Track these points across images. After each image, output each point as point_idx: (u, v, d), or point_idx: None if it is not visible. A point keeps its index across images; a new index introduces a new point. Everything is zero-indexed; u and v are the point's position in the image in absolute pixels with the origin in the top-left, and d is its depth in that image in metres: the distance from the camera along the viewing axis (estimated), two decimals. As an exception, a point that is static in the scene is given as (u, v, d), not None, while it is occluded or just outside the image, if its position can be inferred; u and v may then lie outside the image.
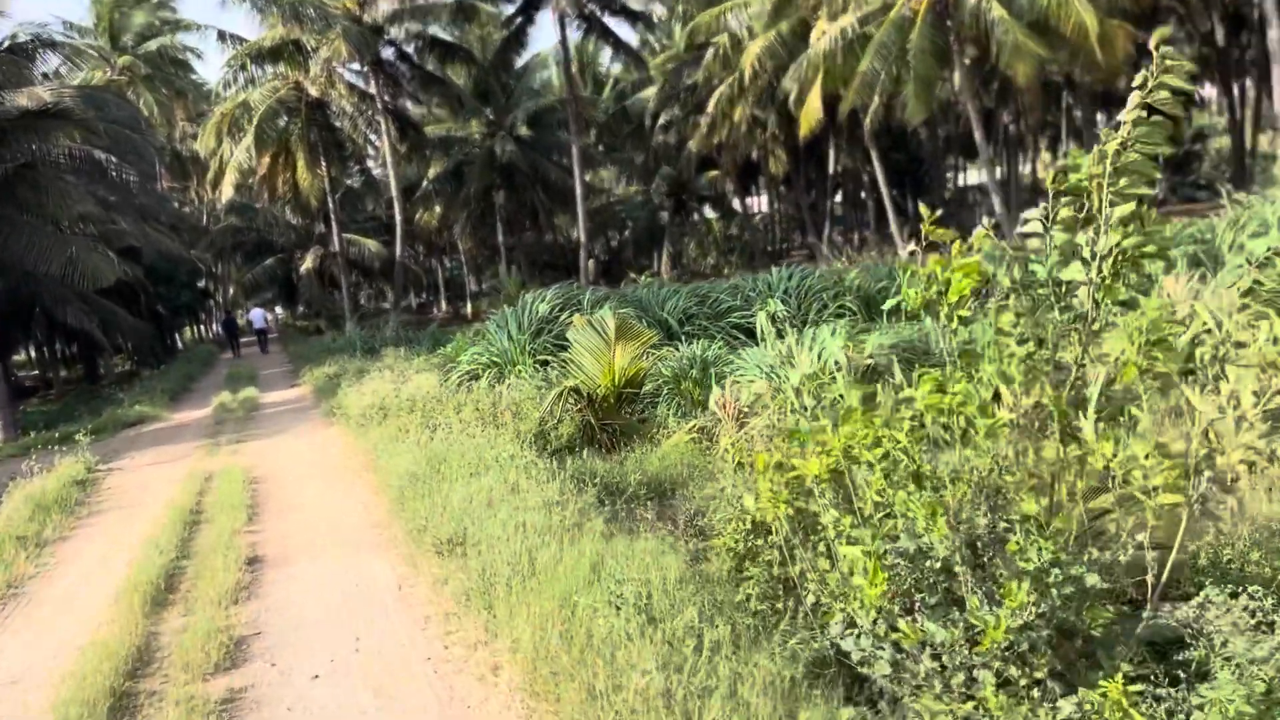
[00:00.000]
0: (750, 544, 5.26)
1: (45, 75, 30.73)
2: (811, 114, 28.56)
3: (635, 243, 53.09)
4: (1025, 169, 56.19)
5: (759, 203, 63.18)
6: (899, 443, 3.99)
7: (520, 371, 13.85)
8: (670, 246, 50.53)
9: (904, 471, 3.79)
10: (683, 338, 14.51)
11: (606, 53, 52.18)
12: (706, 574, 4.65)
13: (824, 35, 27.82)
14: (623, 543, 5.02)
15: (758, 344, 14.71)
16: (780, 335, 14.82)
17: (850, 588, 3.74)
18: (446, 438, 9.29)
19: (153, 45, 46.16)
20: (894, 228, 34.48)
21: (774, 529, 5.27)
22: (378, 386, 13.28)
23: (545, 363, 14.04)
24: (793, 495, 4.22)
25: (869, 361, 5.92)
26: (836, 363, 6.12)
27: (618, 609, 4.01)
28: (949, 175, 53.40)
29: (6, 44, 23.44)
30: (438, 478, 7.62)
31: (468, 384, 13.92)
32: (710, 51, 32.85)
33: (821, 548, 4.29)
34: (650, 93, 41.41)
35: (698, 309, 15.41)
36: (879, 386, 4.80)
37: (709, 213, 53.69)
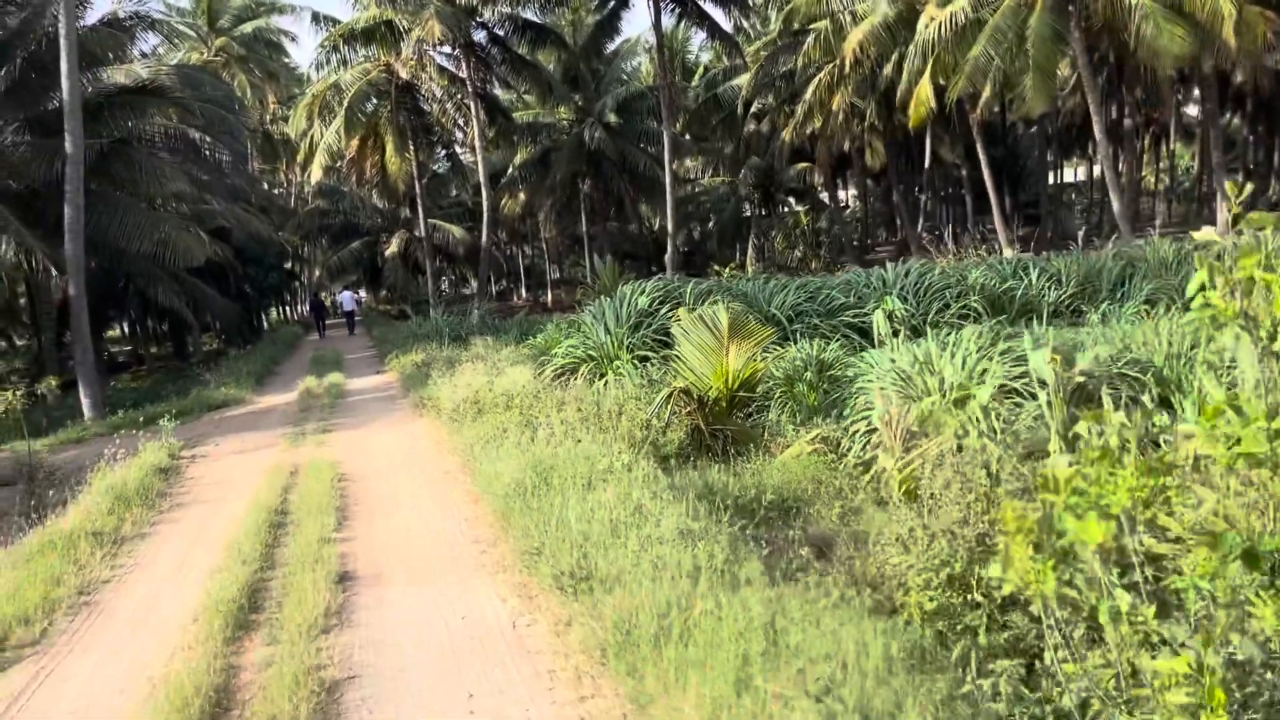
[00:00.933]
0: (946, 600, 4.32)
1: (143, 54, 30.94)
2: (921, 104, 27.16)
3: (719, 234, 52.01)
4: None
5: (846, 197, 61.51)
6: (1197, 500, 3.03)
7: (619, 367, 13.03)
8: (755, 239, 49.34)
9: (1232, 546, 2.80)
10: (792, 336, 13.53)
11: (696, 40, 51.18)
12: (916, 647, 3.70)
13: (933, 21, 26.41)
14: (793, 596, 4.12)
15: (875, 345, 13.68)
16: (898, 336, 13.78)
17: (1156, 699, 2.77)
18: (549, 440, 8.48)
19: (248, 27, 46.63)
20: (998, 224, 32.88)
21: (973, 590, 4.33)
22: (470, 378, 12.56)
23: (645, 359, 13.21)
24: (1054, 562, 3.24)
25: (1080, 379, 4.88)
26: (1041, 380, 5.10)
27: (818, 700, 3.10)
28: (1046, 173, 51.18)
29: (106, 19, 23.41)
30: (546, 489, 6.80)
31: (564, 379, 13.16)
32: (810, 37, 31.57)
33: (1075, 626, 3.33)
34: (743, 80, 40.19)
35: (808, 305, 14.39)
36: (1126, 416, 3.81)
37: (795, 206, 52.28)
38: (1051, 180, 53.59)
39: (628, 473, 6.91)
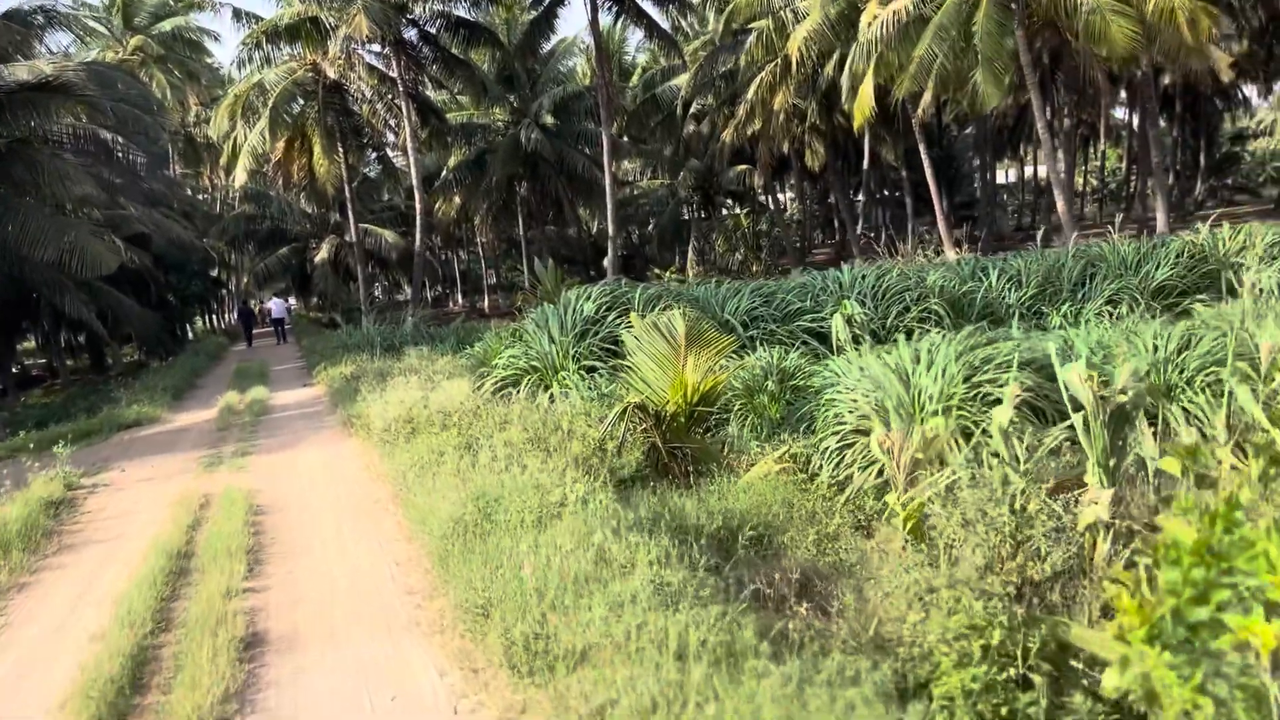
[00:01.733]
0: (989, 678, 3.54)
1: (51, 51, 29.22)
2: (864, 104, 26.72)
3: (659, 237, 51.37)
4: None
5: (784, 200, 61.36)
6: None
7: (564, 379, 12.16)
8: (696, 242, 48.78)
9: None
10: (748, 343, 12.80)
11: (632, 41, 50.50)
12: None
13: (875, 19, 26.00)
14: (804, 675, 3.30)
15: (834, 351, 13.00)
16: (858, 341, 13.12)
17: None
18: (492, 465, 7.59)
19: (167, 25, 44.72)
20: (941, 225, 32.66)
21: (1018, 661, 3.55)
22: (403, 394, 11.55)
23: (592, 369, 12.37)
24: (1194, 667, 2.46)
25: (1121, 398, 4.15)
26: (1072, 399, 4.36)
27: None
28: (977, 175, 51.58)
29: (7, 13, 21.87)
30: (491, 527, 5.91)
31: (505, 392, 12.24)
32: (752, 36, 31.04)
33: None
34: (681, 80, 39.54)
35: (763, 310, 13.66)
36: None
37: (735, 208, 51.89)
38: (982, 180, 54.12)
39: (584, 506, 6.05)
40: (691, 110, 41.72)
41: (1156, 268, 14.63)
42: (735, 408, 10.58)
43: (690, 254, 48.22)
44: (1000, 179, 64.65)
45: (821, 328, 13.32)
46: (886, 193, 53.61)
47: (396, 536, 7.09)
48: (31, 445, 12.23)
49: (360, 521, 7.71)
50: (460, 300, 54.35)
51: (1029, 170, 62.09)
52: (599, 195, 37.93)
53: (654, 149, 48.63)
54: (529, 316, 14.71)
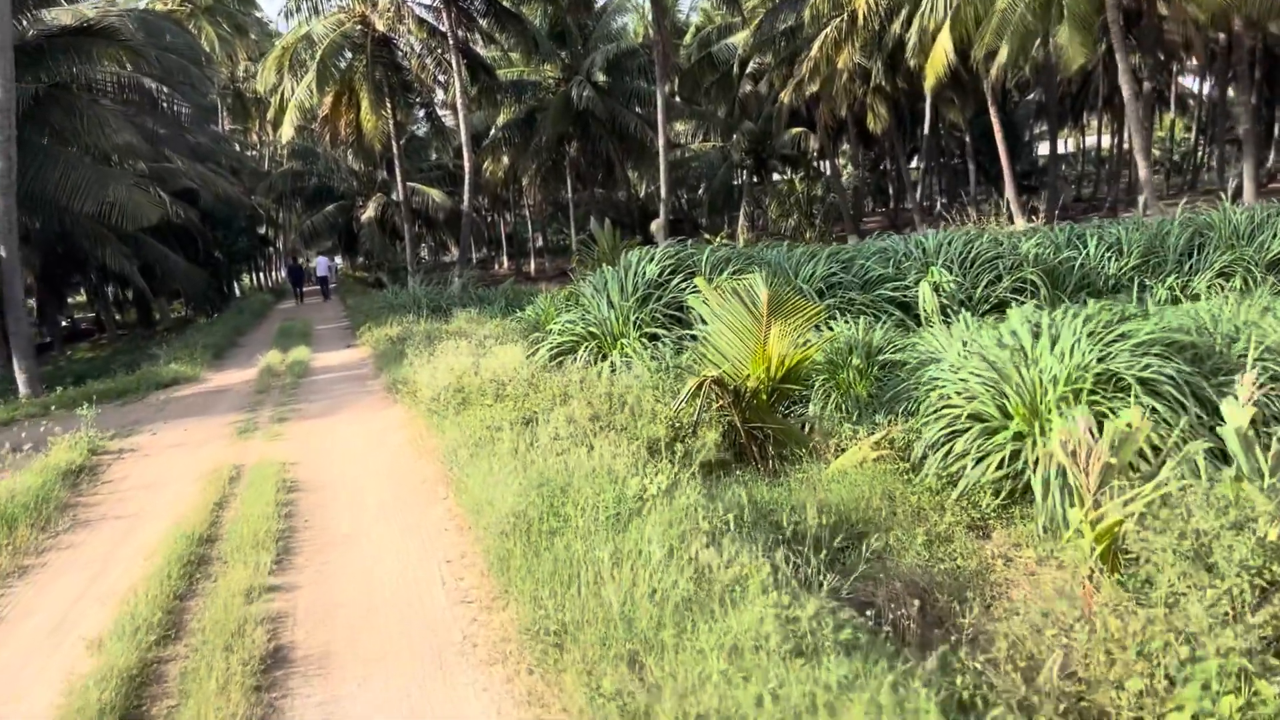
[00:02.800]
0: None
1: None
2: (937, 62, 25.25)
3: (709, 202, 50.06)
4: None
5: (837, 165, 59.59)
6: None
7: (625, 347, 11.17)
8: (747, 206, 47.39)
9: None
10: (826, 312, 11.72)
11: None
12: None
13: (953, -31, 24.45)
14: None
15: (919, 323, 11.92)
16: (945, 312, 12.01)
17: None
18: (554, 444, 6.66)
19: (216, -25, 44.04)
20: (1010, 192, 31.09)
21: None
22: (452, 360, 10.66)
23: (654, 337, 11.37)
24: None
25: None
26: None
27: None
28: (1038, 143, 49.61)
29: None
30: (559, 524, 4.96)
31: (559, 360, 11.31)
32: (819, -11, 29.53)
33: None
34: (738, 38, 38.06)
35: (842, 276, 12.55)
36: None
37: (789, 173, 50.35)
38: (1045, 150, 52.07)
39: (668, 500, 5.09)
40: (749, 70, 40.19)
41: (1273, 238, 13.28)
42: (816, 384, 9.55)
43: (741, 219, 46.93)
44: (1059, 148, 62.34)
45: (905, 297, 12.21)
46: (944, 160, 51.82)
47: (447, 526, 6.18)
48: (53, 407, 11.54)
49: (405, 505, 6.81)
50: (506, 263, 53.56)
51: (1089, 139, 59.86)
52: (650, 157, 36.71)
53: (707, 110, 47.17)
54: (584, 279, 13.73)
